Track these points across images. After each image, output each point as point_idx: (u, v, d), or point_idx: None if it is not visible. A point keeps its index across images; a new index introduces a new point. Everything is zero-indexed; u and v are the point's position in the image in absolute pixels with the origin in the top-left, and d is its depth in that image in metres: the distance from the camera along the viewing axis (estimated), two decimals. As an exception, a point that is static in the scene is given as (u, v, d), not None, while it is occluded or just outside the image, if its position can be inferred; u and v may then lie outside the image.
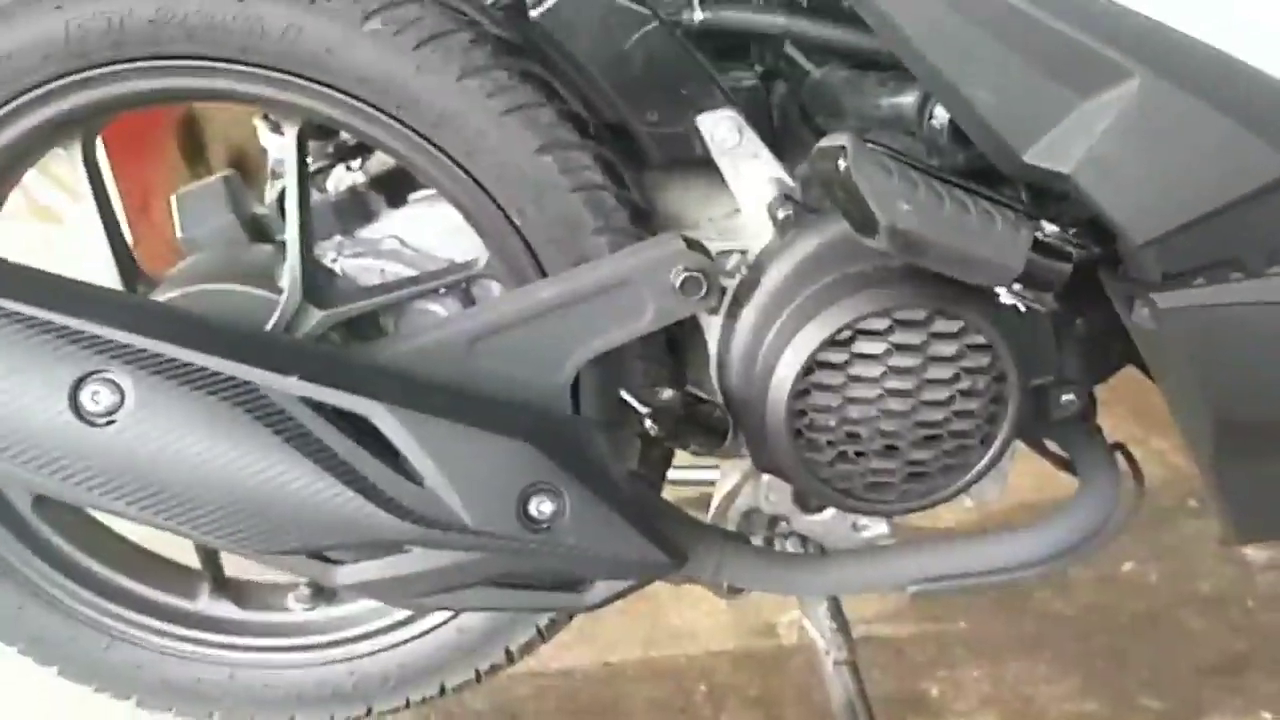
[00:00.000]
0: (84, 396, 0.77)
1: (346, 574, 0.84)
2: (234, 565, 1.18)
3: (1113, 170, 0.75)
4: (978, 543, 1.03)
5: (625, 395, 0.96)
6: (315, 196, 1.10)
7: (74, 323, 0.77)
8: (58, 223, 1.99)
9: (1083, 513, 1.02)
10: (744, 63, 1.04)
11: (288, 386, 0.79)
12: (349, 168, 1.17)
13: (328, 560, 0.85)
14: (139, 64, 0.91)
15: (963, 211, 0.77)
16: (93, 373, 0.77)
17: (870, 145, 0.77)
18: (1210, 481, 0.95)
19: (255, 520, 0.79)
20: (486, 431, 0.83)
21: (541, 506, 0.85)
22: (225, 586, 1.21)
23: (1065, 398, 0.99)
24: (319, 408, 0.80)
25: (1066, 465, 1.09)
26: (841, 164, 0.75)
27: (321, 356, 0.89)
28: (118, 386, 0.78)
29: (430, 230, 1.07)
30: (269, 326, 0.98)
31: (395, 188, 1.11)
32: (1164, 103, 0.73)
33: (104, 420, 0.78)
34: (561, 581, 0.91)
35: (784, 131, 1.03)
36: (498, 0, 0.97)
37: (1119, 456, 1.07)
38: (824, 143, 0.79)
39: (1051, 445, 1.10)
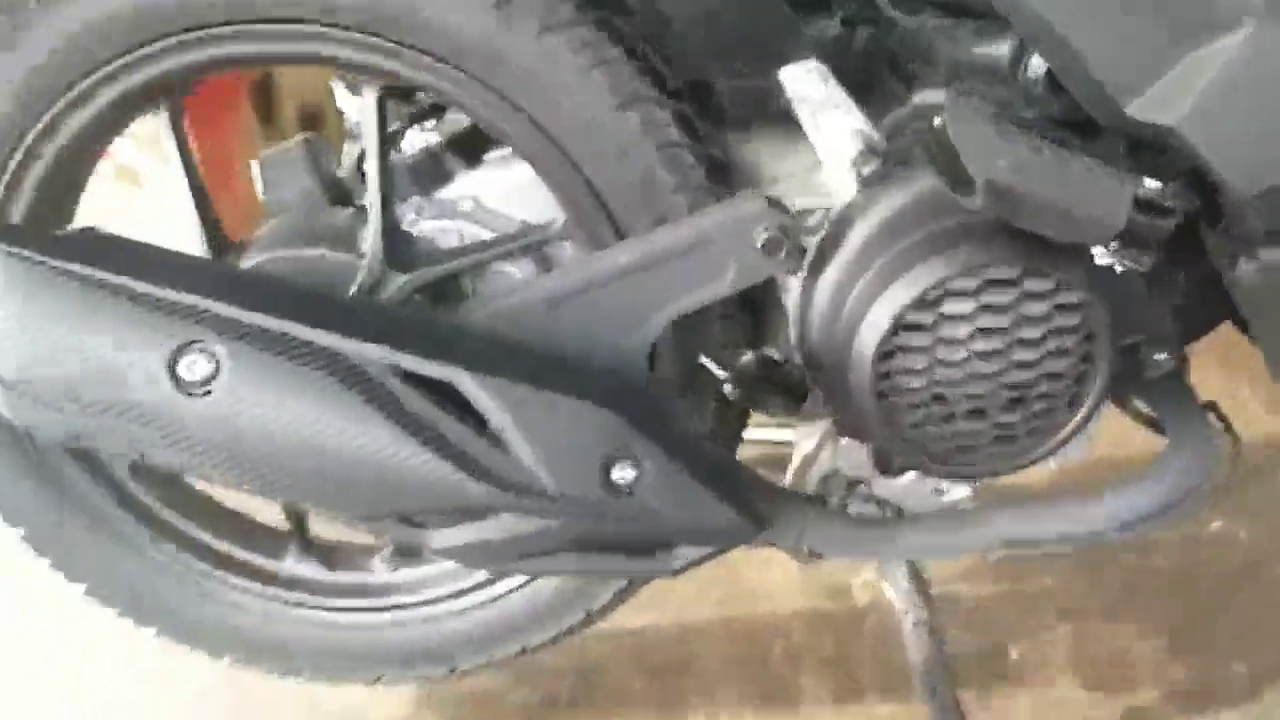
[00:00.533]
0: (182, 367, 0.79)
1: (438, 539, 0.85)
2: (321, 527, 1.21)
3: (1221, 122, 0.72)
4: (1065, 505, 1.01)
5: (704, 359, 0.95)
6: (392, 158, 1.11)
7: (171, 294, 0.78)
8: (136, 184, 2.03)
9: (1175, 475, 0.99)
10: (826, 12, 1.01)
11: (377, 355, 0.80)
12: (423, 128, 1.17)
13: (419, 525, 0.86)
14: (227, 28, 0.92)
15: (1063, 167, 0.74)
16: (190, 343, 0.79)
17: (970, 101, 0.74)
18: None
19: (349, 487, 0.80)
20: (569, 397, 0.83)
21: (624, 473, 0.85)
22: (312, 548, 1.24)
23: (1158, 356, 0.96)
24: (407, 376, 0.80)
25: (1154, 424, 1.06)
26: (938, 121, 0.73)
27: (408, 324, 0.90)
28: (214, 356, 0.79)
29: (506, 190, 1.06)
30: (352, 290, 0.98)
31: (470, 147, 1.10)
32: (1274, 54, 0.70)
33: (201, 390, 0.79)
34: (644, 547, 0.91)
35: (868, 81, 0.99)
36: None
37: (1211, 417, 1.04)
38: (919, 99, 0.77)
39: (1138, 404, 1.07)
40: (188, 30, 0.91)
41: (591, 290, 0.92)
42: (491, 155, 1.09)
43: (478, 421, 0.82)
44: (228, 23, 0.92)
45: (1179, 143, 0.73)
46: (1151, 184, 0.77)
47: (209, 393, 0.79)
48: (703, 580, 1.52)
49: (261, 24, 0.91)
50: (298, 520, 1.22)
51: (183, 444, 0.79)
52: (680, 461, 0.86)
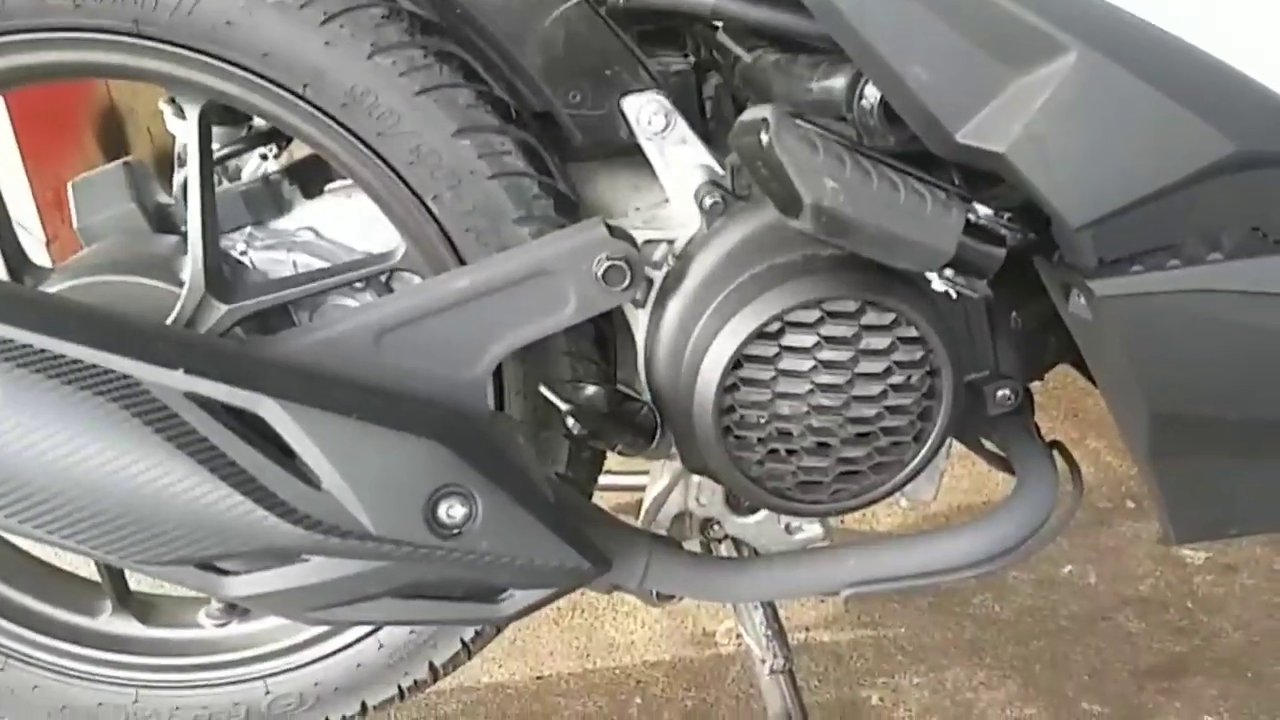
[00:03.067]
0: (-57, 393, 0.71)
1: (238, 586, 0.77)
2: (140, 580, 1.11)
3: (1048, 150, 0.71)
4: (912, 544, 0.99)
5: (544, 390, 0.91)
6: (225, 185, 1.05)
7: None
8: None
9: (1019, 512, 0.99)
10: (674, 47, 1.00)
11: (171, 380, 0.73)
12: (264, 156, 1.11)
13: (219, 571, 0.79)
14: (26, 36, 0.85)
15: (892, 190, 0.73)
16: (-48, 366, 0.70)
17: (796, 120, 0.73)
18: (1148, 479, 0.93)
19: (135, 529, 0.72)
20: (391, 429, 0.78)
21: (451, 510, 0.80)
22: (129, 602, 1.14)
23: (1001, 393, 0.96)
24: (206, 404, 0.74)
25: (1004, 464, 1.06)
26: (764, 137, 0.71)
27: (211, 349, 0.83)
28: (-18, 382, 0.71)
29: (347, 222, 1.02)
30: (169, 322, 0.91)
31: (311, 177, 1.06)
32: (1101, 79, 0.70)
33: (-34, 418, 0.71)
34: (476, 591, 0.85)
35: (717, 122, 0.99)
36: None
37: (1056, 455, 1.04)
38: (746, 115, 0.75)
39: (988, 445, 1.07)
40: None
41: (423, 319, 0.87)
42: (333, 185, 1.05)
43: (287, 456, 0.76)
44: (32, 29, 0.85)
45: (1008, 170, 0.73)
46: (984, 210, 0.77)
47: (-25, 422, 0.70)
48: (563, 631, 1.49)
49: (68, 32, 0.85)
50: (112, 571, 1.12)
51: (-56, 480, 0.71)
52: (514, 497, 0.81)
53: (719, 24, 0.96)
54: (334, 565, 0.77)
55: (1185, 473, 0.91)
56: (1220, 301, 0.76)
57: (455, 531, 0.80)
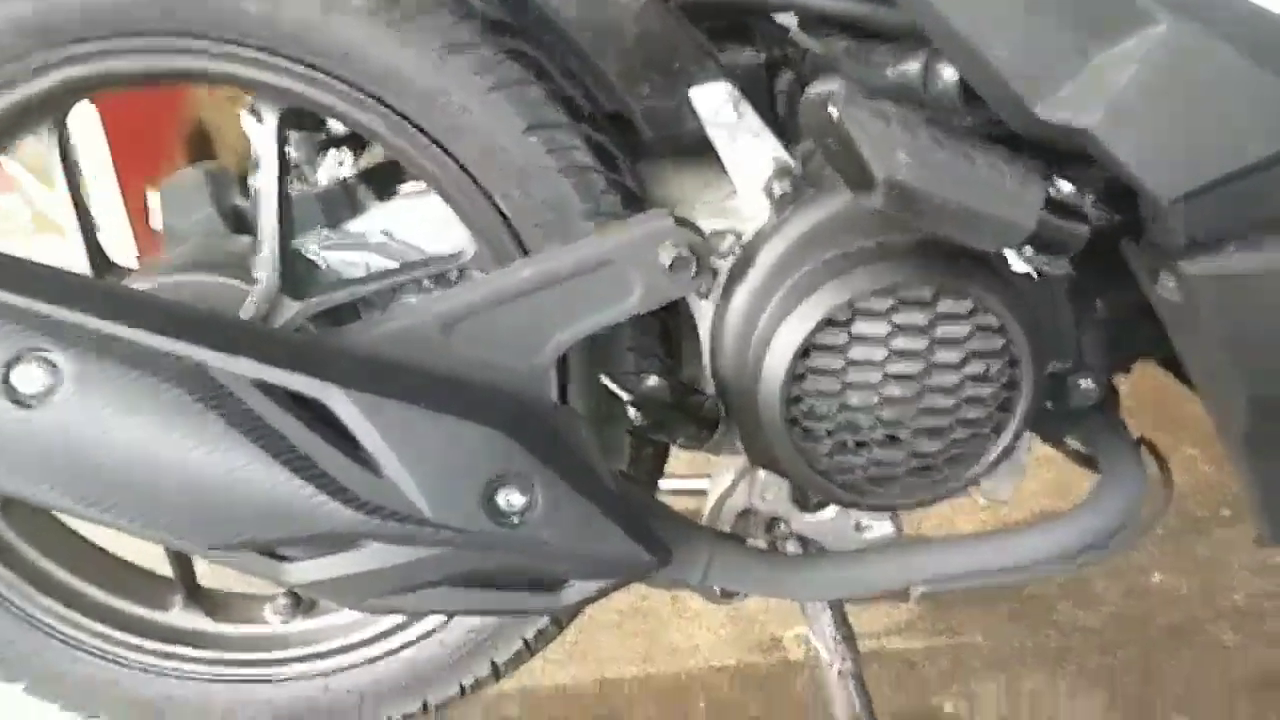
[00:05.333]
0: (16, 377, 0.72)
1: (298, 571, 0.77)
2: (210, 575, 1.12)
3: (1136, 124, 0.68)
4: (988, 539, 0.96)
5: (606, 380, 0.89)
6: (300, 188, 1.07)
7: (6, 297, 0.71)
8: (60, 233, 1.97)
9: (1103, 508, 0.94)
10: (745, 42, 0.99)
11: (236, 367, 0.73)
12: (340, 162, 1.13)
13: (280, 558, 0.78)
14: (114, 42, 0.87)
15: (967, 163, 0.70)
16: (26, 351, 0.71)
17: (862, 90, 0.70)
18: (1244, 474, 0.88)
19: (196, 510, 0.72)
20: (453, 417, 0.77)
21: (511, 498, 0.78)
22: (199, 597, 1.15)
23: (1084, 385, 0.92)
24: (270, 390, 0.73)
25: (1089, 462, 1.02)
26: (833, 110, 0.69)
27: (276, 339, 0.84)
28: (53, 365, 0.72)
29: (418, 224, 1.03)
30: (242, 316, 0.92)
31: (384, 181, 1.07)
32: (1193, 50, 0.67)
33: (38, 402, 0.72)
34: (536, 581, 0.83)
35: (790, 117, 0.97)
36: None
37: (1144, 452, 1.00)
38: (814, 89, 0.72)
39: (1072, 442, 1.03)
40: (67, 44, 0.86)
41: (488, 310, 0.87)
42: (405, 188, 1.06)
43: (349, 442, 0.75)
44: (123, 34, 0.86)
45: (1094, 147, 0.69)
46: (1065, 185, 0.73)
47: (47, 404, 0.71)
48: (626, 635, 1.46)
49: (157, 37, 0.87)
50: (183, 566, 1.14)
51: (15, 461, 0.72)
52: (575, 487, 0.80)
53: (789, 24, 0.95)
54: (392, 552, 0.77)
55: (1282, 468, 0.86)
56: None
57: (514, 519, 0.78)
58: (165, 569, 1.14)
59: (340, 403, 0.75)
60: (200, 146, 2.17)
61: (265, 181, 0.94)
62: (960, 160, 0.70)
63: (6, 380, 0.71)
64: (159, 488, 0.72)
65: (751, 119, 0.90)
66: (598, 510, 0.80)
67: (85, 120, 1.86)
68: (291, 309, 0.94)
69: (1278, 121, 0.68)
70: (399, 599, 0.78)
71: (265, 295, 0.94)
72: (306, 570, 0.77)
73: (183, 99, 2.10)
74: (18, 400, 0.71)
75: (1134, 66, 0.67)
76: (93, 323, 0.72)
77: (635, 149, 0.94)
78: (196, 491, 0.72)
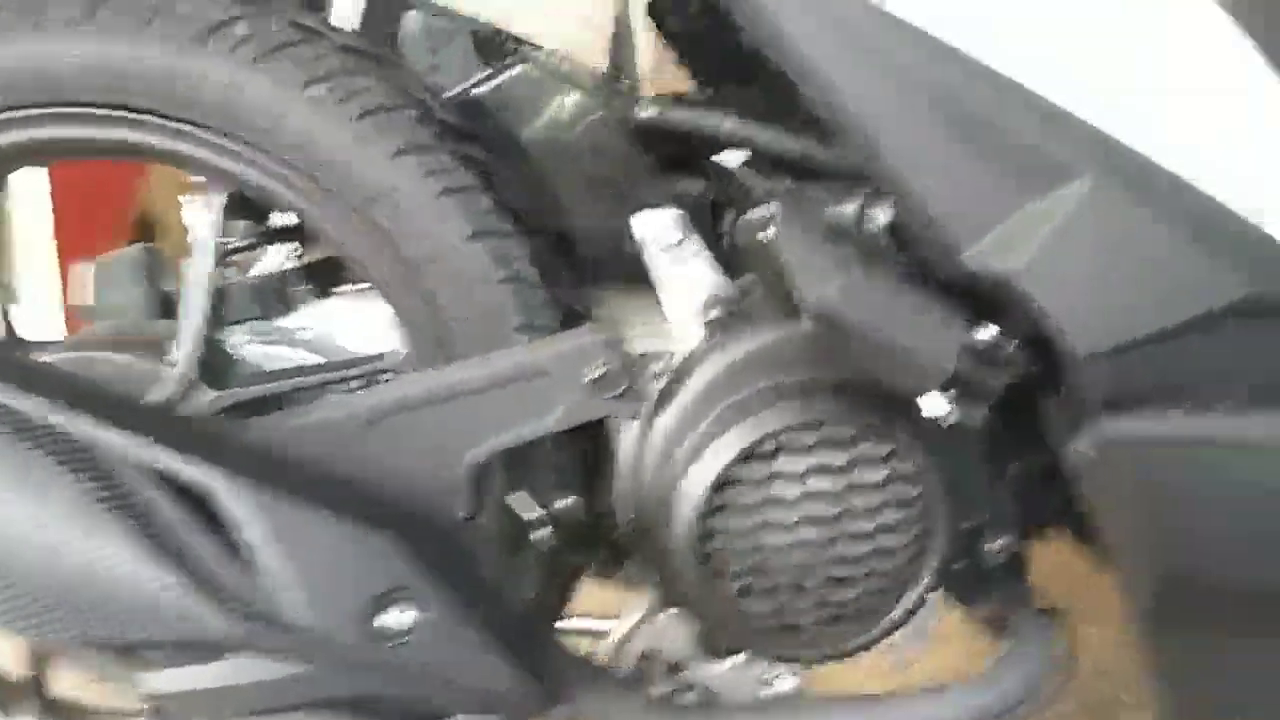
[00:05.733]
0: None
1: (156, 680, 0.70)
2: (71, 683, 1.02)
3: (1058, 274, 0.69)
4: (887, 703, 0.92)
5: (517, 498, 0.86)
6: (235, 277, 1.04)
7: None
8: (15, 302, 1.93)
9: (1005, 679, 0.92)
10: (697, 176, 1.01)
11: (119, 443, 0.68)
12: (278, 254, 1.10)
13: (140, 661, 0.71)
14: (65, 109, 0.85)
15: (895, 296, 0.70)
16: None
17: (799, 215, 0.71)
18: (1146, 655, 0.86)
19: (52, 596, 0.66)
20: (348, 522, 0.72)
21: (399, 617, 0.73)
22: (54, 710, 1.05)
23: (995, 545, 0.91)
24: (153, 475, 0.68)
25: (996, 627, 1.00)
26: (770, 232, 0.69)
27: (173, 422, 0.79)
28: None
29: (353, 325, 1.00)
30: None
31: (324, 279, 1.05)
32: (1115, 208, 0.69)
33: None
34: (412, 713, 0.77)
35: (732, 255, 0.98)
36: (452, 95, 0.94)
37: (1052, 621, 0.98)
38: (753, 212, 0.73)
39: (978, 600, 1.01)
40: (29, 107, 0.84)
41: (406, 412, 0.84)
42: (344, 288, 1.04)
43: (233, 539, 0.70)
44: (76, 103, 0.85)
45: (1016, 295, 0.71)
46: (987, 332, 0.74)
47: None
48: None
49: (111, 109, 0.85)
50: (37, 669, 1.04)
51: None
52: (468, 611, 0.75)
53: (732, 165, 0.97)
54: (261, 666, 0.70)
55: (1190, 651, 0.84)
56: (1230, 454, 0.73)
57: (399, 639, 0.73)
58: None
59: (228, 494, 0.70)
60: (144, 234, 2.15)
61: (197, 266, 0.91)
62: (888, 295, 0.70)
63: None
64: (15, 567, 0.65)
65: (694, 244, 0.90)
66: (490, 640, 0.75)
67: (35, 193, 1.85)
68: (206, 397, 0.89)
69: (1194, 286, 0.71)
70: (266, 720, 0.71)
71: (180, 381, 0.89)
72: (164, 680, 0.70)
73: (133, 185, 2.09)
74: None
75: (1058, 219, 0.69)
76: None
77: (581, 268, 0.95)
78: (56, 575, 0.66)
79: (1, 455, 0.67)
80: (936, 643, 1.01)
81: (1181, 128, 0.71)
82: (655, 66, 1.01)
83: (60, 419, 0.68)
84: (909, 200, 0.71)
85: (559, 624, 1.04)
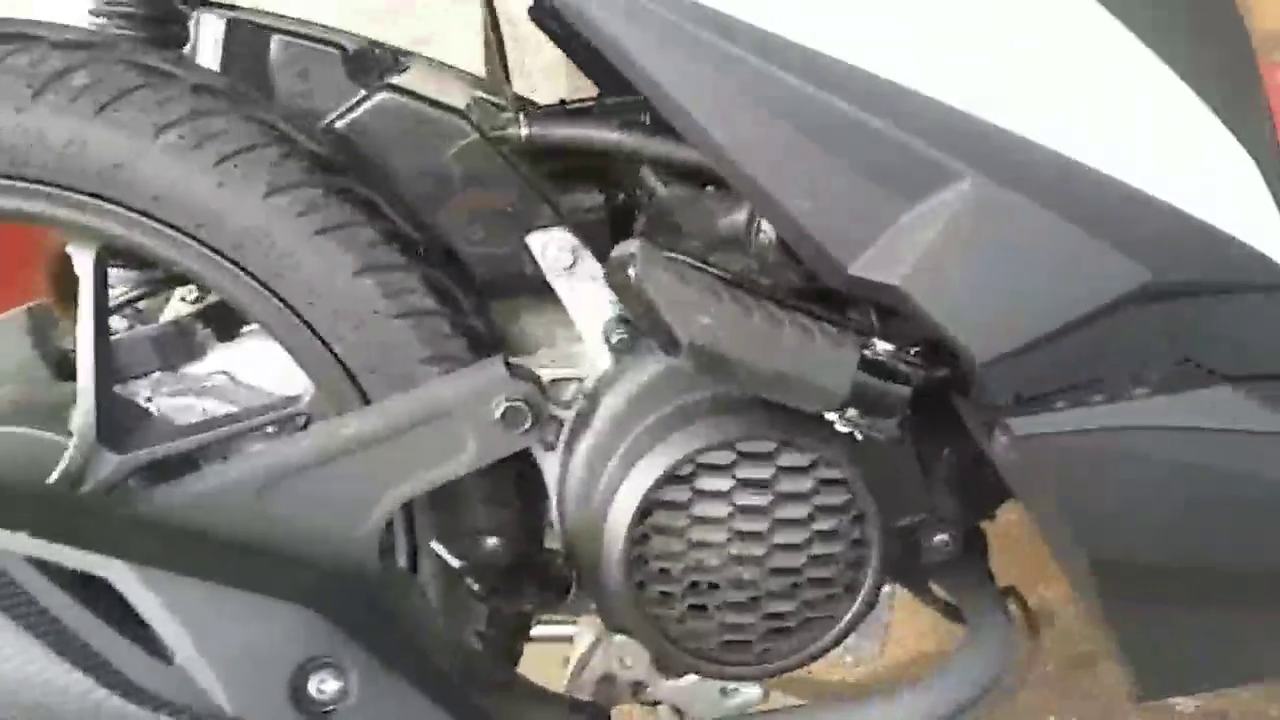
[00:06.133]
0: None
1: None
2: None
3: (946, 281, 0.67)
4: (851, 707, 0.91)
5: (435, 546, 0.84)
6: (133, 330, 1.01)
7: None
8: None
9: (969, 668, 0.91)
10: (593, 186, 0.98)
11: (10, 543, 0.67)
12: (183, 299, 1.08)
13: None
14: None
15: (773, 325, 0.68)
16: None
17: (670, 255, 0.69)
18: (1104, 631, 0.86)
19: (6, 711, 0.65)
20: (255, 594, 0.71)
21: (323, 685, 0.72)
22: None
23: (938, 538, 0.90)
24: (47, 569, 0.67)
25: (953, 613, 0.99)
26: (632, 272, 0.67)
27: (62, 507, 0.77)
28: None
29: (263, 366, 0.97)
30: (55, 475, 0.86)
31: (227, 321, 1.02)
32: (999, 207, 0.67)
33: None
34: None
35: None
36: (326, 123, 0.90)
37: (1010, 603, 0.97)
38: (616, 251, 0.71)
39: (935, 590, 1.00)
40: None
41: (308, 470, 0.82)
42: (249, 328, 1.01)
43: (138, 626, 0.69)
44: None
45: (906, 305, 0.69)
46: (884, 346, 0.72)
47: None
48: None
49: None
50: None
51: None
52: (395, 670, 0.74)
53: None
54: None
55: (1139, 624, 0.84)
56: (1149, 439, 0.71)
57: (327, 710, 0.72)
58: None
59: (125, 580, 0.68)
60: (67, 280, 2.10)
61: (81, 324, 0.88)
62: (767, 324, 0.68)
63: None
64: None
65: (589, 264, 0.88)
66: (422, 697, 0.74)
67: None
68: (110, 463, 0.87)
69: (1093, 277, 0.68)
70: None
71: (81, 448, 0.86)
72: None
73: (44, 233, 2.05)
74: None
75: (940, 224, 0.67)
76: None
77: (483, 289, 0.92)
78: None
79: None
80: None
81: (1069, 108, 0.68)
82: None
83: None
84: (786, 219, 0.68)
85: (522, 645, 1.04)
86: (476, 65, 1.06)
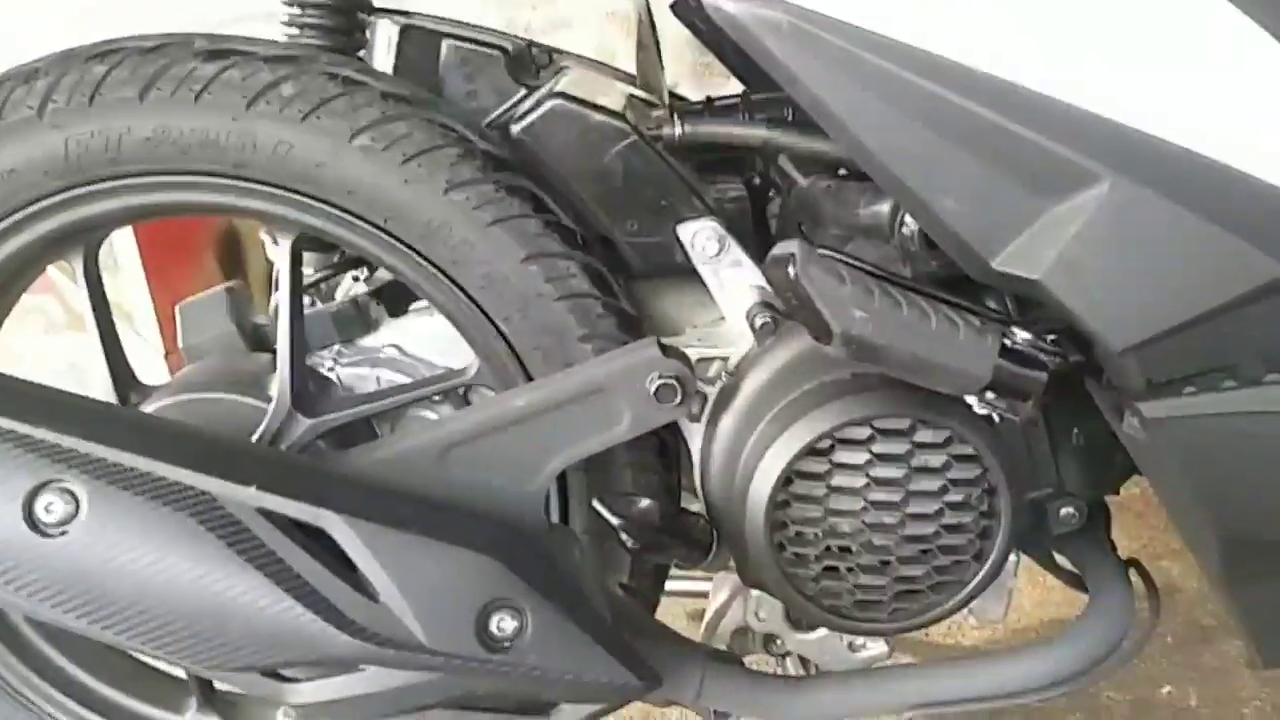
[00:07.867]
0: (38, 507, 0.76)
1: (298, 693, 0.80)
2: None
3: (1084, 275, 0.72)
4: (979, 665, 0.97)
5: (597, 505, 0.93)
6: (316, 306, 1.11)
7: (30, 430, 0.76)
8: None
9: (1091, 635, 0.95)
10: (736, 175, 1.04)
11: (244, 496, 0.78)
12: (355, 278, 1.18)
13: (282, 678, 0.82)
14: (136, 180, 0.93)
15: (922, 317, 0.74)
16: (48, 482, 0.76)
17: (823, 252, 0.75)
18: (1227, 606, 0.89)
19: (203, 636, 0.76)
20: (446, 544, 0.81)
21: (502, 624, 0.81)
22: (214, 701, 1.18)
23: (1065, 511, 0.94)
24: (275, 518, 0.78)
25: (1076, 581, 1.03)
26: (791, 270, 0.73)
27: (283, 465, 0.88)
28: (73, 496, 0.77)
29: (428, 339, 1.07)
30: (256, 435, 0.97)
31: (397, 298, 1.12)
32: (1136, 206, 0.71)
33: (57, 531, 0.77)
34: (527, 704, 0.86)
35: (771, 239, 1.02)
36: (491, 120, 0.99)
37: (1133, 574, 1.01)
38: (776, 250, 0.77)
39: (1062, 560, 1.05)
40: (95, 182, 0.93)
41: (484, 436, 0.90)
42: (416, 304, 1.11)
43: (350, 569, 0.79)
44: (144, 173, 0.93)
45: (1046, 297, 0.73)
46: (1023, 334, 0.77)
47: (65, 533, 0.76)
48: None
49: (175, 175, 0.93)
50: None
51: (35, 588, 0.76)
52: (564, 612, 0.83)
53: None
54: (390, 676, 0.80)
55: (1264, 597, 0.87)
56: (1275, 422, 0.74)
57: (505, 645, 0.81)
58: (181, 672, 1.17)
59: (340, 530, 0.79)
60: (231, 253, 2.24)
61: (280, 300, 0.98)
62: (915, 314, 0.74)
63: (30, 510, 0.76)
64: (167, 613, 0.76)
65: (735, 252, 0.95)
66: (586, 636, 0.83)
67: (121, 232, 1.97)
68: (303, 425, 0.97)
69: (1227, 271, 0.72)
70: (396, 720, 0.81)
71: (278, 413, 0.97)
72: (306, 692, 0.80)
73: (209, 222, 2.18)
74: (40, 529, 0.76)
75: (1080, 222, 0.71)
76: (109, 453, 0.77)
77: (627, 271, 0.99)
78: (203, 616, 0.76)
79: (142, 515, 0.77)
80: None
81: (1201, 108, 0.71)
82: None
83: (188, 478, 0.78)
84: (930, 216, 0.74)
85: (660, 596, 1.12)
86: (611, 47, 1.13)
